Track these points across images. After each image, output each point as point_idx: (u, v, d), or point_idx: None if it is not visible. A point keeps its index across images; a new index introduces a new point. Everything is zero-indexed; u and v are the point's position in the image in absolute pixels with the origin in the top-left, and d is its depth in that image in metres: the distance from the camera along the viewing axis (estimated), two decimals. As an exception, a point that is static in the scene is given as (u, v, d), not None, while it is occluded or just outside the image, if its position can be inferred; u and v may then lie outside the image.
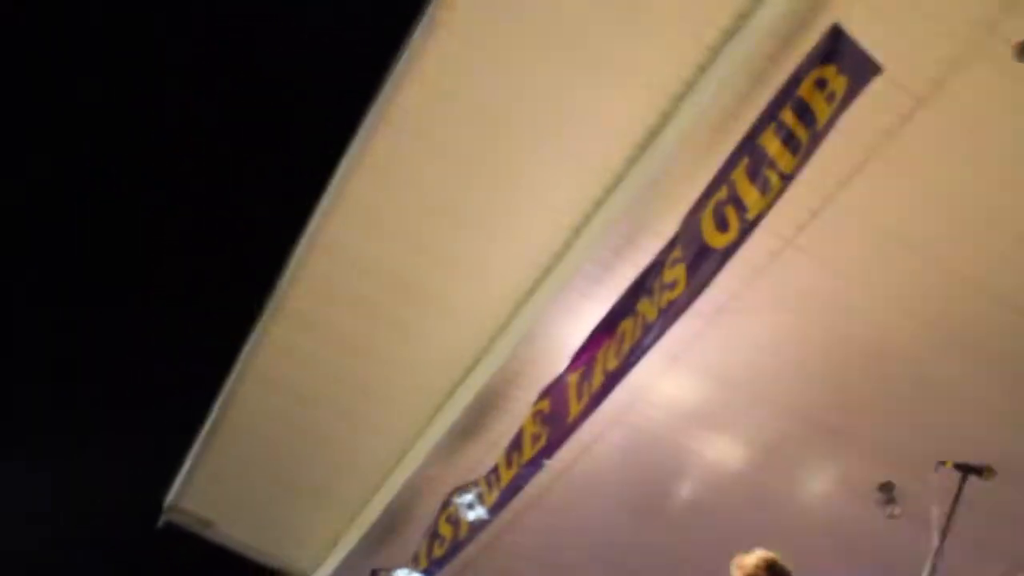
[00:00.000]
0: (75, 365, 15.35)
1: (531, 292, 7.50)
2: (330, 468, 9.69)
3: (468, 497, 8.18)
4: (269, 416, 9.27)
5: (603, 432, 7.74)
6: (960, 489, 4.79)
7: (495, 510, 7.91)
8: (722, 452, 8.15)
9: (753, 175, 5.38)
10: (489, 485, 7.97)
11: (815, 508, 8.39)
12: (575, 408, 7.01)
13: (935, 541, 4.64)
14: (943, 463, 4.92)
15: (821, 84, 5.04)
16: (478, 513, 8.09)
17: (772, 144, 5.27)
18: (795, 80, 5.19)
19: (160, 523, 10.51)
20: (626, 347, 6.52)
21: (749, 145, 5.47)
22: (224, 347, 9.10)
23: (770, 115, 5.33)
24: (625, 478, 8.53)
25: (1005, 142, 5.69)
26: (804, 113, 5.09)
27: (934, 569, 4.57)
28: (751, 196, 5.38)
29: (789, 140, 5.17)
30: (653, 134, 6.35)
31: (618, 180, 6.64)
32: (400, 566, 9.08)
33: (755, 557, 6.07)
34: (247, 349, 8.72)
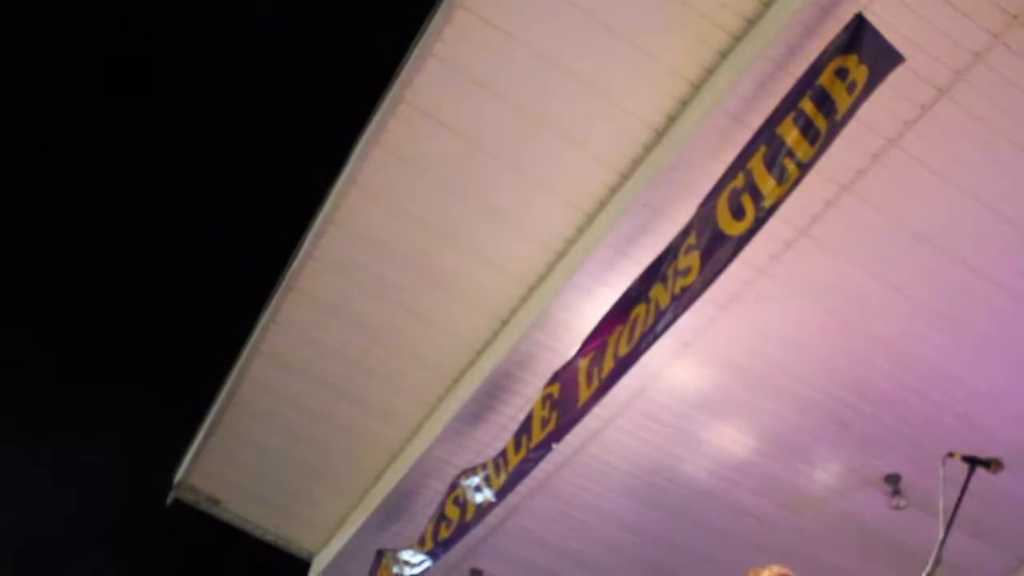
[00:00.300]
0: (84, 343, 15.35)
1: (544, 276, 7.50)
2: (339, 448, 9.69)
3: (475, 480, 8.21)
4: (279, 395, 9.29)
5: (612, 418, 7.75)
6: (967, 481, 4.77)
7: (502, 493, 7.93)
8: (731, 440, 8.15)
9: (770, 164, 5.39)
10: (497, 468, 7.99)
11: (821, 498, 8.38)
12: (585, 393, 7.02)
13: (940, 532, 4.64)
14: (951, 455, 4.91)
15: (842, 73, 5.04)
16: (485, 496, 8.11)
17: (791, 133, 5.28)
18: (816, 69, 5.19)
19: (169, 500, 10.55)
20: (638, 333, 6.53)
21: (767, 133, 5.47)
22: (235, 326, 9.13)
23: (790, 104, 5.33)
24: (633, 464, 8.54)
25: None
26: (824, 102, 5.10)
27: (939, 560, 4.56)
28: (768, 185, 5.38)
29: (808, 129, 5.18)
30: (671, 120, 6.35)
31: (634, 166, 6.64)
32: (406, 547, 9.12)
33: (769, 573, 6.10)
34: (258, 328, 8.74)
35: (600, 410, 7.06)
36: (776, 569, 6.06)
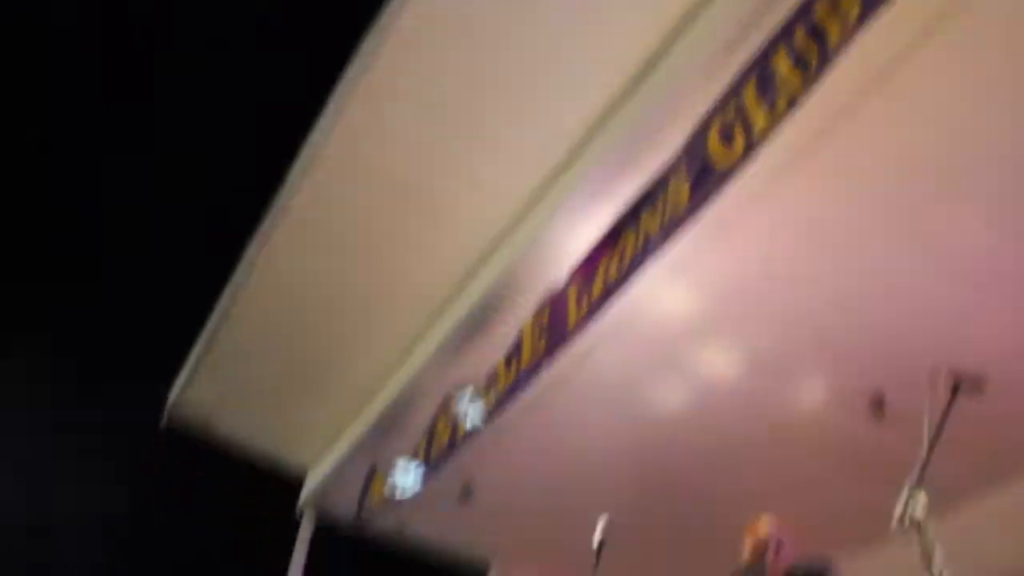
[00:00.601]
0: (75, 266, 15.21)
1: (535, 202, 7.53)
2: (332, 367, 9.79)
3: (467, 399, 8.35)
4: (272, 315, 9.32)
5: (602, 342, 7.79)
6: (951, 400, 4.85)
7: (493, 413, 8.09)
8: (719, 365, 8.28)
9: (761, 95, 5.44)
10: (488, 388, 8.14)
11: (808, 418, 8.51)
12: (575, 317, 7.15)
13: (923, 452, 4.74)
14: (936, 374, 5.00)
15: (835, 6, 5.07)
16: (476, 415, 8.26)
17: (782, 65, 5.32)
18: (810, 1, 5.23)
19: (162, 422, 10.61)
20: (627, 259, 6.64)
21: (759, 65, 5.50)
22: (227, 248, 9.16)
23: (783, 36, 5.36)
24: (624, 388, 8.67)
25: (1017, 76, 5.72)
26: (817, 35, 5.11)
27: (920, 479, 4.66)
28: (758, 116, 5.45)
29: (800, 62, 5.20)
30: (663, 50, 6.33)
31: (626, 95, 6.65)
32: (398, 463, 9.30)
33: (763, 524, 6.31)
34: (250, 250, 8.78)
35: (590, 334, 7.18)
36: (767, 521, 6.29)
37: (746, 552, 6.37)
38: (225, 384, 10.15)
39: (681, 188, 6.08)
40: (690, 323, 7.94)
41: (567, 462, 9.65)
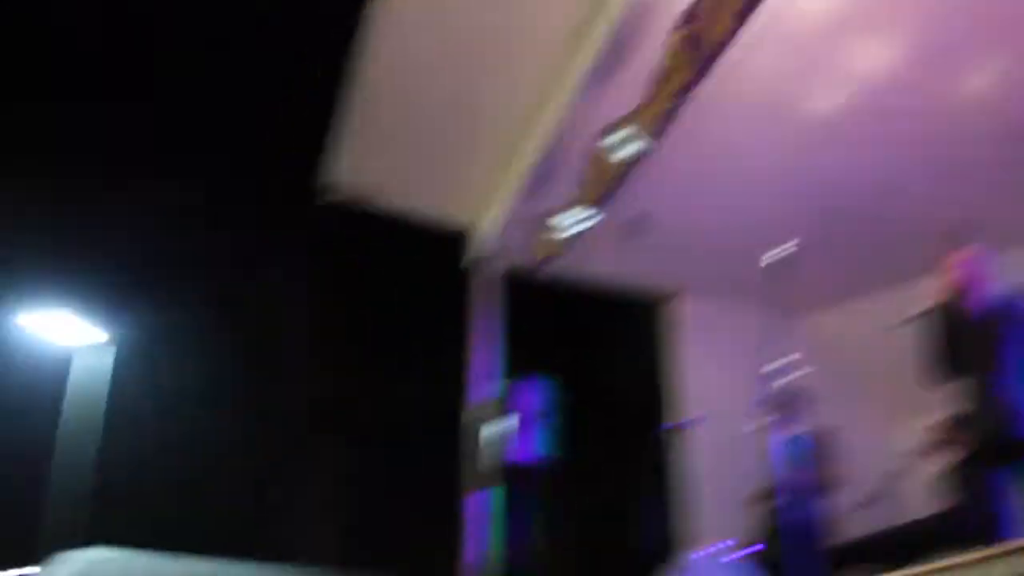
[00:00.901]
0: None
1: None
2: (478, 116, 9.47)
3: (619, 135, 8.10)
4: (408, 73, 8.93)
5: (752, 51, 7.27)
6: None
7: (650, 145, 7.83)
8: (879, 60, 7.80)
9: None
10: (638, 120, 7.85)
11: (976, 111, 8.03)
12: (719, 29, 6.76)
13: None
14: None
15: None
16: (631, 149, 8.04)
17: None
18: None
19: (318, 200, 10.50)
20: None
21: None
22: (344, 13, 8.76)
23: None
24: (778, 97, 8.29)
25: None
26: None
27: None
28: None
29: None
30: None
31: None
32: (561, 210, 9.19)
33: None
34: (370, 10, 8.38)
35: (737, 45, 6.75)
36: (963, 255, 6.05)
37: (942, 288, 6.25)
38: (375, 151, 9.96)
39: None
40: (842, 19, 7.41)
41: (734, 188, 9.37)
